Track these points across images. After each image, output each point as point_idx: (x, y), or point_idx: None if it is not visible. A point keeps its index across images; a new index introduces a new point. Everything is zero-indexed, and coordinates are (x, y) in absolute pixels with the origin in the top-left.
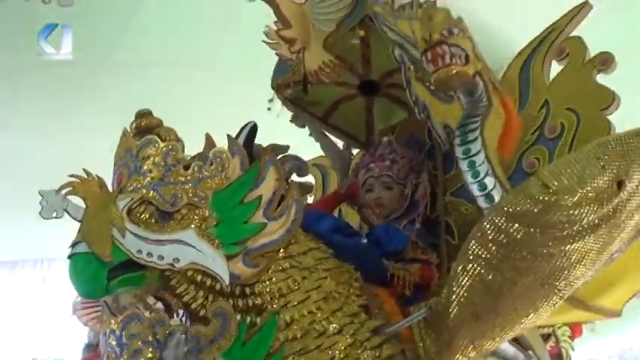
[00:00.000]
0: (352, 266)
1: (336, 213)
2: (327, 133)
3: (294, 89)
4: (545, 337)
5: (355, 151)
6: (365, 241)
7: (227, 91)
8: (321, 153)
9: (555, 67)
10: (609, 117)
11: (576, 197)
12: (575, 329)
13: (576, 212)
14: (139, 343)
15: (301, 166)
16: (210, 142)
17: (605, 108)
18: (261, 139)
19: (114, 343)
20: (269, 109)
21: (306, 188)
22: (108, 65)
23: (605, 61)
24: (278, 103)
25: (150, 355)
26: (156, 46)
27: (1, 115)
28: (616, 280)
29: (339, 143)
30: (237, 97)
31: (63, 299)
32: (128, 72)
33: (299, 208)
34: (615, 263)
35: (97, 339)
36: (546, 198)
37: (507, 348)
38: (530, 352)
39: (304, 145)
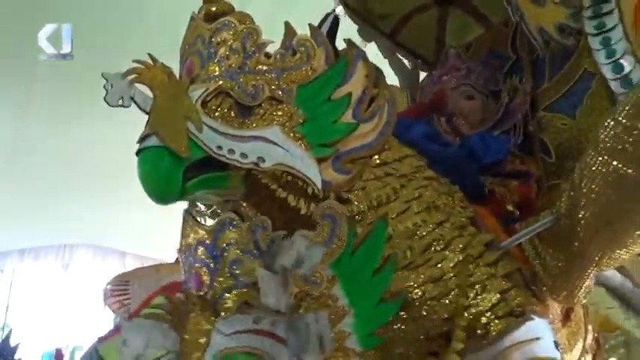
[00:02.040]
0: (447, 179)
1: None
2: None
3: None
4: None
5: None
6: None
7: None
8: None
9: None
10: None
11: None
12: None
13: None
14: (238, 252)
15: (378, 76)
16: (290, 32)
17: None
18: None
19: (204, 256)
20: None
21: None
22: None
23: None
24: None
25: (252, 265)
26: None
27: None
28: None
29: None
30: None
31: (85, 286)
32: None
33: (392, 109)
34: None
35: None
36: None
37: (613, 275)
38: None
39: None
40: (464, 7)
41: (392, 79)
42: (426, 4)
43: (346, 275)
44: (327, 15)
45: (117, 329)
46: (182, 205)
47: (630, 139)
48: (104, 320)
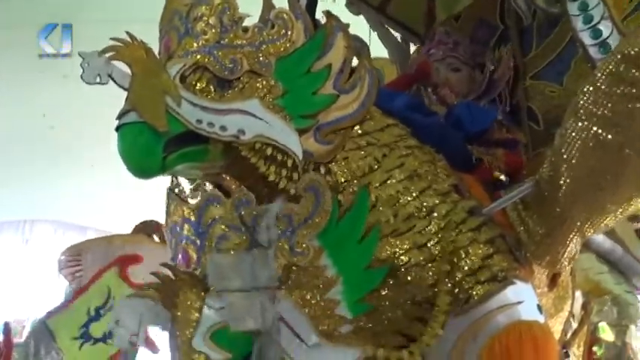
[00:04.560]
0: (431, 148)
1: None
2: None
3: None
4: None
5: (412, 48)
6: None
7: None
8: None
9: None
10: None
11: None
12: None
13: None
14: (223, 227)
15: (363, 47)
16: (268, 4)
17: None
18: None
19: (190, 233)
20: None
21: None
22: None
23: None
24: None
25: (237, 240)
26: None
27: None
28: None
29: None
30: None
31: (45, 261)
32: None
33: (373, 80)
34: None
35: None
36: None
37: (603, 242)
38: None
39: None
40: None
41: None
42: None
43: (333, 244)
44: None
45: (65, 304)
46: (144, 181)
47: (609, 105)
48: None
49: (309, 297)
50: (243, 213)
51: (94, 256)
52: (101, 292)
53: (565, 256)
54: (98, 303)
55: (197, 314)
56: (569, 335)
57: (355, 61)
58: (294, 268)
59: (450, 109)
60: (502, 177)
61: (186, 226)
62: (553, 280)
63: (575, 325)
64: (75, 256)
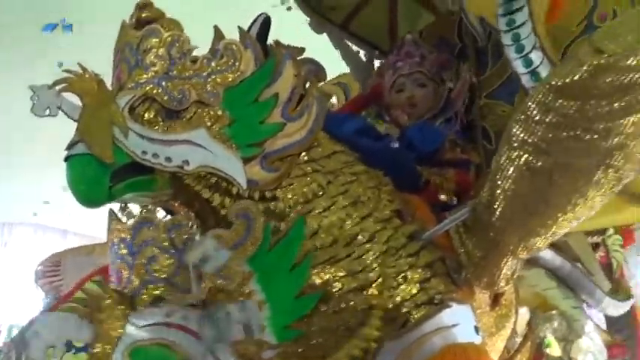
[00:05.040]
0: (380, 171)
1: None
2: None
3: None
4: (594, 247)
5: (377, 64)
6: (396, 144)
7: None
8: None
9: None
10: None
11: (637, 57)
12: (628, 237)
13: (637, 75)
14: (154, 249)
15: (318, 71)
16: (219, 34)
17: None
18: None
19: (125, 252)
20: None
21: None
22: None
23: None
24: None
25: (167, 261)
26: None
27: None
28: None
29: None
30: None
31: (25, 264)
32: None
33: (321, 107)
34: None
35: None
36: (602, 62)
37: (553, 258)
38: (578, 264)
39: None
40: None
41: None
42: None
43: (263, 270)
44: (258, 16)
45: (50, 310)
46: None
47: (539, 133)
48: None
49: None
50: (174, 236)
51: (74, 265)
52: None
53: (501, 277)
54: None
55: (120, 330)
56: (512, 352)
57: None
58: (219, 291)
59: (402, 131)
60: (447, 198)
61: (122, 246)
62: (495, 299)
63: (519, 340)
64: (53, 266)
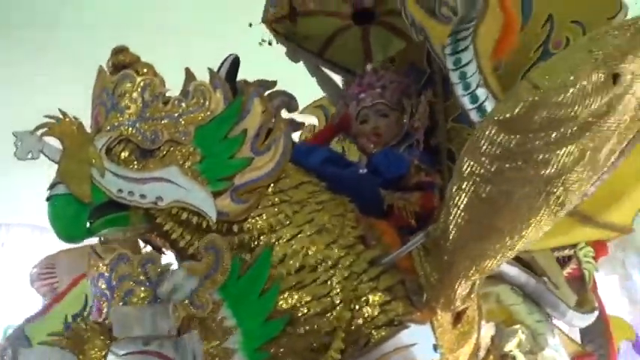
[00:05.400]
0: (347, 198)
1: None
2: (323, 69)
3: (286, 24)
4: (567, 260)
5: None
6: (364, 171)
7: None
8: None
9: None
10: None
11: (568, 93)
12: (600, 249)
13: (570, 110)
14: (131, 283)
15: (290, 102)
16: (190, 76)
17: (612, 16)
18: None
19: (103, 286)
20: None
21: (296, 125)
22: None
23: None
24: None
25: (143, 294)
26: None
27: None
28: (621, 192)
29: (338, 79)
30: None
31: (22, 265)
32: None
33: (288, 140)
34: (620, 173)
35: None
36: (536, 98)
37: (518, 275)
38: (545, 279)
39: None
40: (383, 24)
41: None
42: (347, 25)
43: (233, 298)
44: (228, 57)
45: (43, 311)
46: None
47: (485, 164)
48: (38, 300)
49: (207, 347)
50: (148, 269)
51: (68, 266)
52: (78, 300)
53: (456, 298)
54: (75, 310)
55: None
56: None
57: None
58: (192, 319)
59: (369, 158)
60: (410, 221)
61: (101, 281)
62: (458, 317)
63: (482, 354)
64: (48, 268)
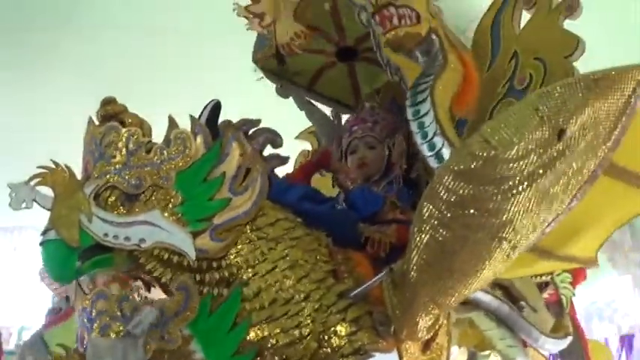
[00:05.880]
0: (323, 232)
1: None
2: (313, 102)
3: (274, 62)
4: (544, 285)
5: (345, 117)
6: (341, 206)
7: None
8: None
9: (526, 18)
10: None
11: (514, 149)
12: (578, 275)
13: (516, 165)
14: (107, 318)
15: (275, 139)
16: (172, 124)
17: (569, 54)
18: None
19: (85, 320)
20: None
21: (281, 159)
22: (68, 30)
23: (571, 6)
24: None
25: (118, 329)
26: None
27: None
28: (581, 227)
29: (328, 111)
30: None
31: (34, 268)
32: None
33: (264, 181)
34: (579, 210)
35: (60, 304)
36: (485, 153)
37: (491, 301)
38: (523, 303)
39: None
40: (367, 60)
41: None
42: (333, 61)
43: (202, 333)
44: (209, 103)
45: (62, 317)
46: None
47: (443, 210)
48: (50, 301)
49: None
50: (123, 306)
51: None
52: None
53: (419, 329)
54: None
55: None
56: None
57: None
58: (163, 352)
59: (346, 194)
60: (383, 255)
61: (83, 314)
62: (427, 344)
63: None
64: None
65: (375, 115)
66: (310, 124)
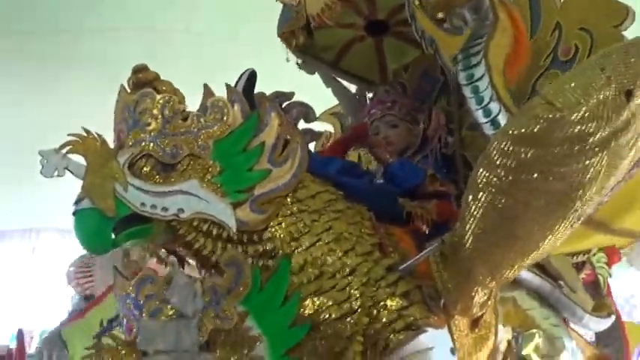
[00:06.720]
0: (364, 206)
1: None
2: (338, 79)
3: (301, 36)
4: (581, 265)
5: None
6: (380, 180)
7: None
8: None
9: None
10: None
11: (582, 111)
12: (613, 255)
13: (584, 127)
14: (157, 302)
15: (308, 112)
16: (208, 92)
17: (619, 24)
18: None
19: (131, 306)
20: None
21: (313, 134)
22: (84, 31)
23: None
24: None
25: (170, 312)
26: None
27: None
28: (635, 198)
29: (353, 88)
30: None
31: (52, 269)
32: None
33: (304, 152)
34: (634, 180)
35: (79, 305)
36: (551, 115)
37: (533, 279)
38: (561, 282)
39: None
40: (396, 35)
41: None
42: (361, 36)
43: (256, 309)
44: (245, 72)
45: (80, 314)
46: None
47: (501, 175)
48: (69, 303)
49: (236, 357)
50: (172, 288)
51: (104, 265)
52: (114, 305)
53: (474, 304)
54: (110, 315)
55: None
56: None
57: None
58: (219, 332)
59: (385, 168)
60: (427, 229)
61: (127, 301)
62: (475, 322)
63: (499, 358)
64: (84, 267)
65: (391, 95)
66: (331, 105)
